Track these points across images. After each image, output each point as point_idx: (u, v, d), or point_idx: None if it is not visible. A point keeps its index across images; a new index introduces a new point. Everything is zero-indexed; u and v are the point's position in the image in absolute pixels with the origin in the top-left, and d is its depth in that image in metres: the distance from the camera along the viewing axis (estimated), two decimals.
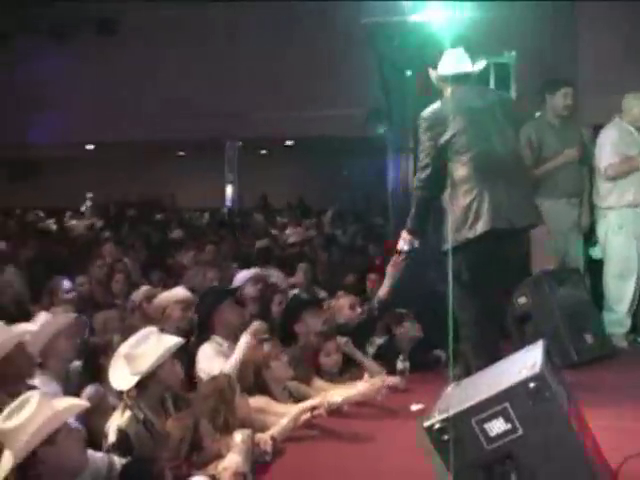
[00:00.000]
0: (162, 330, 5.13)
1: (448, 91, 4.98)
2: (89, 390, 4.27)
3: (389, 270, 6.09)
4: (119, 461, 3.40)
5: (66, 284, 6.44)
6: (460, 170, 4.78)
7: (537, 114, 6.66)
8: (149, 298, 6.06)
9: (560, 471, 2.91)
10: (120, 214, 17.24)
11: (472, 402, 2.95)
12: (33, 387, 4.11)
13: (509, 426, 2.90)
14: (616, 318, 6.37)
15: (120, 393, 3.96)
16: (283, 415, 4.30)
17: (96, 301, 6.77)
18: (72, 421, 3.63)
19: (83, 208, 18.36)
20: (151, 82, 16.24)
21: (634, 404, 4.71)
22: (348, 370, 5.43)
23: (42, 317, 4.57)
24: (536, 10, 7.63)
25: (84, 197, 18.57)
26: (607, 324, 6.30)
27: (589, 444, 3.12)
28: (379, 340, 6.21)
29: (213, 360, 4.94)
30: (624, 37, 8.54)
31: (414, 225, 5.04)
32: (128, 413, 3.83)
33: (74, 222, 16.05)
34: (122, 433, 3.75)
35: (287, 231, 13.31)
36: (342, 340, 5.42)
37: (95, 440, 3.85)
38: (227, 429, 3.89)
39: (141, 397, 3.89)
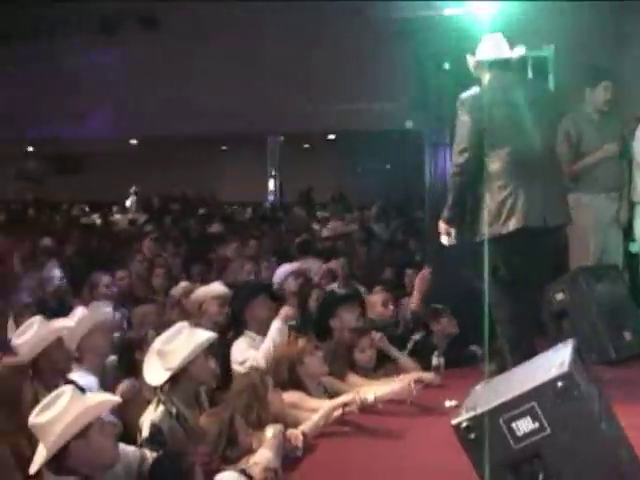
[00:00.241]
0: (198, 325, 5.25)
1: (486, 78, 4.91)
2: (124, 385, 4.33)
3: (417, 284, 6.12)
4: (151, 455, 3.43)
5: (106, 279, 6.50)
6: (496, 163, 4.73)
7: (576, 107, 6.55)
8: (187, 293, 6.13)
9: (588, 471, 2.88)
10: (163, 208, 17.40)
11: (500, 400, 2.94)
12: (71, 381, 4.20)
13: (537, 425, 2.88)
14: None
15: (154, 388, 4.01)
16: (316, 410, 4.33)
17: (136, 296, 6.84)
18: (108, 415, 3.71)
19: (128, 203, 18.58)
20: (194, 77, 16.35)
21: None
22: (383, 366, 5.43)
23: (79, 312, 4.65)
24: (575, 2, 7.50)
25: (128, 192, 18.78)
26: None
27: (621, 443, 3.09)
28: (415, 336, 6.20)
29: (246, 353, 4.98)
30: None
31: (451, 214, 4.94)
32: (161, 408, 3.87)
33: (118, 217, 16.25)
34: (155, 428, 3.79)
35: (328, 225, 13.33)
36: (377, 336, 5.43)
37: (131, 434, 3.92)
38: (260, 424, 3.93)
39: (174, 392, 3.93)
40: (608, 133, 6.32)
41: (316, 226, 13.80)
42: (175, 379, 3.92)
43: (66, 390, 3.20)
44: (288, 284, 6.59)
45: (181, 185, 19.67)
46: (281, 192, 18.69)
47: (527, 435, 2.89)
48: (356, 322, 5.55)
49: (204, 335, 4.09)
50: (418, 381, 5.05)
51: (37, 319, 4.19)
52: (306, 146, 21.54)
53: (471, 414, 2.95)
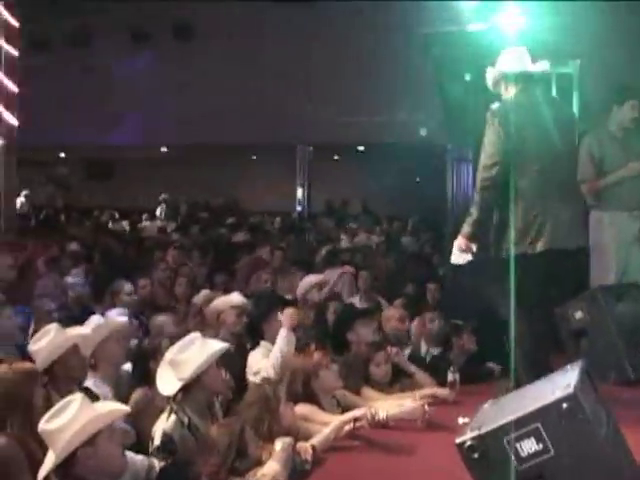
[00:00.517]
0: (217, 335, 5.29)
1: (511, 92, 4.84)
2: (137, 394, 4.37)
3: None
4: (158, 464, 3.47)
5: (127, 286, 6.56)
6: (524, 180, 4.69)
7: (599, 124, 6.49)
8: (208, 302, 6.16)
9: None
10: (190, 216, 17.47)
11: (504, 420, 2.94)
12: (86, 389, 4.25)
13: (541, 446, 2.88)
14: None
15: (167, 397, 4.04)
16: (327, 424, 4.33)
17: (157, 304, 6.89)
18: (121, 424, 3.75)
19: (159, 210, 18.71)
20: (225, 85, 16.47)
21: None
22: (399, 380, 5.42)
23: (94, 320, 4.69)
24: (603, 15, 7.42)
25: (158, 199, 18.92)
26: None
27: (628, 467, 3.06)
28: (434, 350, 6.20)
29: (260, 364, 5.00)
30: None
31: (475, 229, 4.80)
32: (173, 417, 3.90)
33: (146, 224, 16.35)
34: (167, 436, 3.82)
35: (355, 237, 13.33)
36: (393, 350, 5.42)
37: (144, 443, 3.96)
38: (270, 437, 3.94)
39: (186, 402, 3.95)
40: (632, 151, 6.25)
41: (344, 237, 13.79)
42: (187, 389, 3.95)
43: (76, 398, 3.24)
44: (312, 295, 6.60)
45: (209, 193, 19.77)
46: (309, 202, 18.70)
47: (531, 456, 2.89)
48: (373, 336, 5.55)
49: (217, 345, 4.11)
50: (432, 397, 5.07)
51: (54, 326, 4.24)
52: (336, 157, 21.57)
53: (475, 433, 2.96)
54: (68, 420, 3.12)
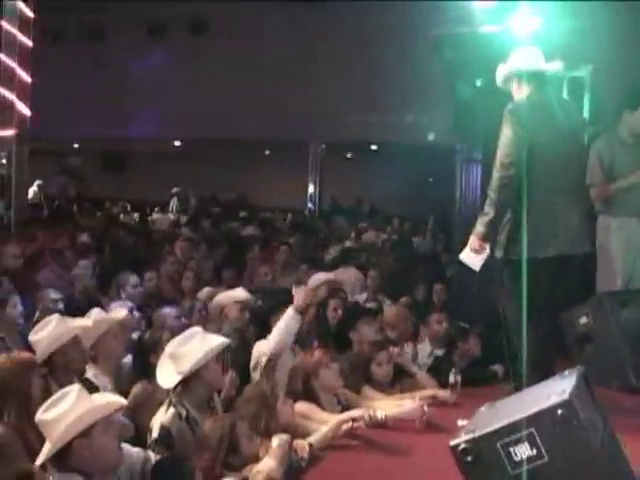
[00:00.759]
0: (219, 330, 5.29)
1: (521, 90, 4.79)
2: (137, 387, 4.37)
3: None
4: (154, 457, 3.48)
5: (133, 279, 6.57)
6: (536, 184, 4.65)
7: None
8: (212, 297, 6.16)
9: None
10: (201, 209, 17.49)
11: (498, 425, 2.92)
12: (86, 380, 4.27)
13: (535, 452, 2.86)
14: None
15: (167, 390, 4.05)
16: (325, 422, 4.33)
17: (162, 297, 6.89)
18: (120, 417, 3.77)
19: (171, 204, 18.73)
20: (240, 81, 16.48)
21: None
22: (400, 380, 5.42)
23: (95, 313, 4.69)
24: (617, 19, 7.35)
25: (169, 192, 18.95)
26: None
27: (624, 476, 3.04)
28: (438, 352, 6.19)
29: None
30: None
31: (488, 230, 4.73)
32: (172, 410, 3.92)
33: (157, 216, 16.37)
34: (164, 429, 3.84)
35: (363, 236, 13.31)
36: (395, 351, 5.41)
37: (143, 436, 3.97)
38: (268, 433, 3.94)
39: (185, 395, 3.97)
40: None
41: (353, 235, 13.75)
42: (187, 382, 3.97)
43: (74, 389, 3.26)
44: (320, 292, 6.58)
45: (221, 188, 19.80)
46: (320, 200, 18.67)
47: (525, 461, 2.87)
48: (375, 336, 5.54)
49: (217, 340, 4.12)
50: (433, 398, 5.06)
51: (55, 317, 4.25)
52: (348, 155, 21.54)
53: (469, 436, 2.95)
54: (64, 411, 3.14)
